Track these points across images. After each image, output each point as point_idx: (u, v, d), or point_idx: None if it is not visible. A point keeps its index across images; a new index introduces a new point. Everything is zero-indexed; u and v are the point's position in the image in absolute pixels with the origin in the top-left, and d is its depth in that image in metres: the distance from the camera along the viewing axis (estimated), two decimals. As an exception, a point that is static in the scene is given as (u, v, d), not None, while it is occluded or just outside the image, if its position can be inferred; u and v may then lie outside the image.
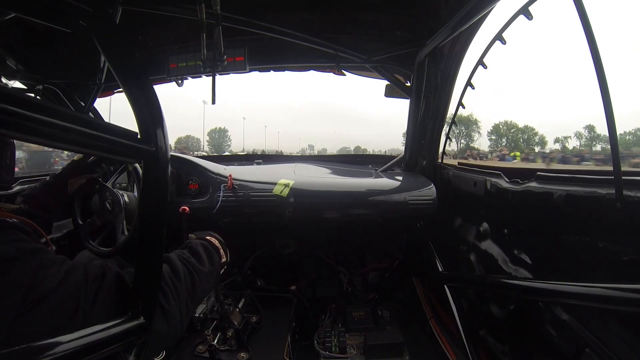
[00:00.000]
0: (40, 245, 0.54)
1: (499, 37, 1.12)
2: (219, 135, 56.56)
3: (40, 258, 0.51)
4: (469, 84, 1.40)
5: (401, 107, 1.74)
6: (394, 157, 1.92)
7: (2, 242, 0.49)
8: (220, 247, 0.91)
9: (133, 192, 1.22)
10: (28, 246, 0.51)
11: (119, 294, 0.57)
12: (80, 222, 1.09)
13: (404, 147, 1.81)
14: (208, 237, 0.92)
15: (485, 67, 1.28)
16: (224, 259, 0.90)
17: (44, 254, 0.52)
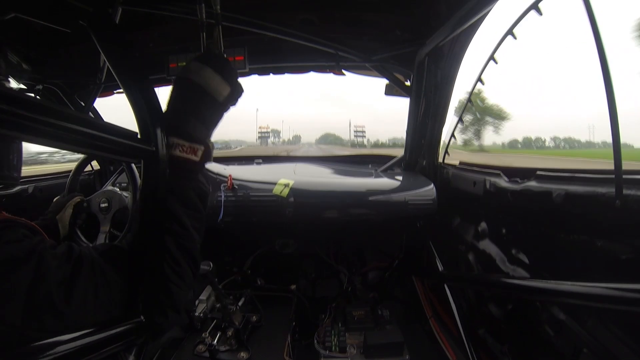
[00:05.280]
0: (46, 242, 0.54)
1: (509, 32, 1.13)
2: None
3: (41, 256, 0.50)
4: (479, 79, 1.40)
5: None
6: (394, 156, 1.92)
7: (12, 241, 0.49)
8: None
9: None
10: (31, 244, 0.51)
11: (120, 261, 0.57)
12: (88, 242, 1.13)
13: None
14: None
15: (496, 62, 1.29)
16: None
17: (48, 251, 0.51)
